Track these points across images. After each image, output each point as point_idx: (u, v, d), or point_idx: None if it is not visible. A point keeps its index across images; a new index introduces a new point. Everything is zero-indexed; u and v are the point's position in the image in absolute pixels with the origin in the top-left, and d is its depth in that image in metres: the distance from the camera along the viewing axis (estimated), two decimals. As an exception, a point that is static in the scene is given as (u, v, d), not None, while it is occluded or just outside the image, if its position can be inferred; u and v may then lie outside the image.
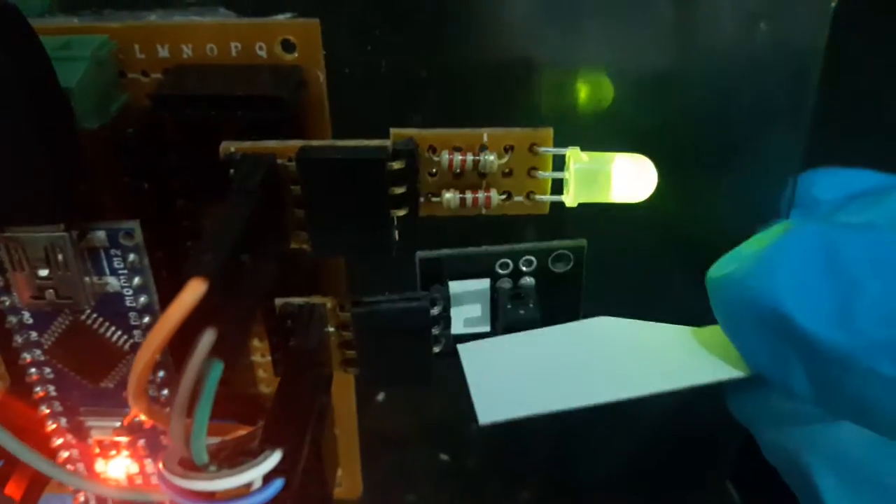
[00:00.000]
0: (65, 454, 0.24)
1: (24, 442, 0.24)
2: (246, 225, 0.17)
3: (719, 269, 0.21)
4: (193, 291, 0.15)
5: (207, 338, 0.15)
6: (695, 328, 0.22)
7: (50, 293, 0.20)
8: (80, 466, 0.24)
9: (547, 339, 0.22)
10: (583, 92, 0.24)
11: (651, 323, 0.22)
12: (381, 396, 0.28)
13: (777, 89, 0.24)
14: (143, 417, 0.18)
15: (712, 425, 0.30)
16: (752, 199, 0.25)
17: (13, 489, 0.24)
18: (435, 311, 0.22)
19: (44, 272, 0.20)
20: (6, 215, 0.19)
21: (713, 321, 0.22)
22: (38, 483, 0.24)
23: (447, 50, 0.23)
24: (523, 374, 0.21)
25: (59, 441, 0.24)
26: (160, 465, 0.18)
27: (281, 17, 0.21)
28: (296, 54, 0.21)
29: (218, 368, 0.16)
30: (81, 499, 0.25)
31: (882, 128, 0.27)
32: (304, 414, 0.19)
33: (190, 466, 0.18)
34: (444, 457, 0.30)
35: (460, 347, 0.22)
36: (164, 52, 0.21)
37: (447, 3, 0.23)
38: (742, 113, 0.24)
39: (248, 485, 0.18)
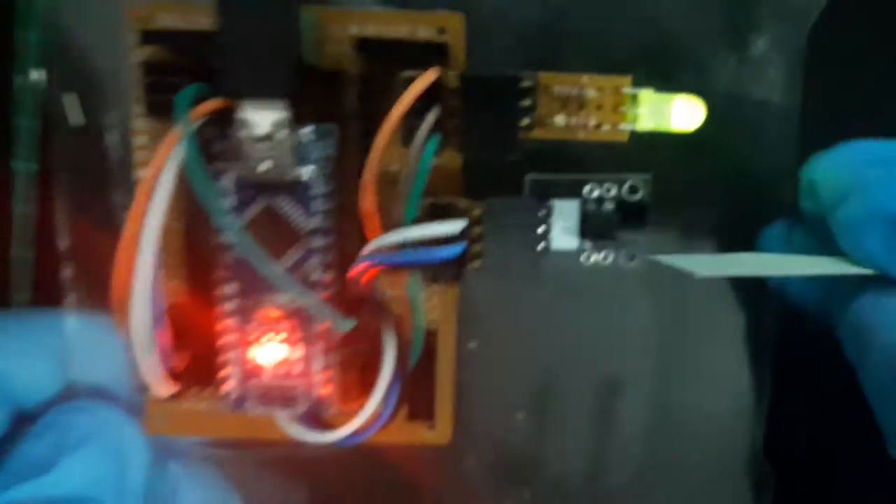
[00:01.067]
0: (226, 338, 0.29)
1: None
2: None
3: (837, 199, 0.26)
4: (428, 76, 0.22)
5: (433, 113, 0.22)
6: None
7: (263, 167, 0.27)
8: (238, 352, 0.29)
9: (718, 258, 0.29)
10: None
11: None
12: (472, 344, 0.33)
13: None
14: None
15: (742, 400, 0.35)
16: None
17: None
18: (542, 213, 0.29)
19: (264, 146, 0.27)
20: (255, 88, 0.26)
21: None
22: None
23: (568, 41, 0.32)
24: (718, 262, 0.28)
25: (226, 321, 0.29)
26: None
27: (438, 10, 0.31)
28: (447, 36, 0.30)
29: (434, 141, 0.23)
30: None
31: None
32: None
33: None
34: (520, 416, 0.34)
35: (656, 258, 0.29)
36: (353, 31, 0.30)
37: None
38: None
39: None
